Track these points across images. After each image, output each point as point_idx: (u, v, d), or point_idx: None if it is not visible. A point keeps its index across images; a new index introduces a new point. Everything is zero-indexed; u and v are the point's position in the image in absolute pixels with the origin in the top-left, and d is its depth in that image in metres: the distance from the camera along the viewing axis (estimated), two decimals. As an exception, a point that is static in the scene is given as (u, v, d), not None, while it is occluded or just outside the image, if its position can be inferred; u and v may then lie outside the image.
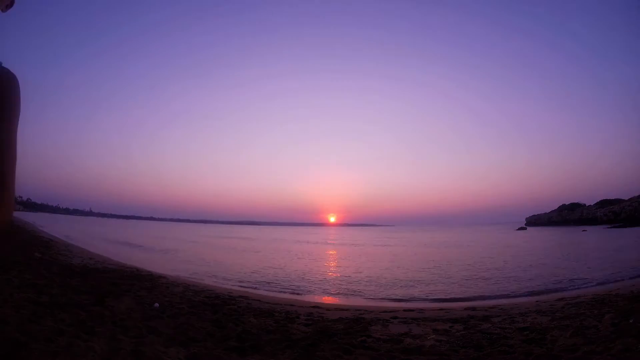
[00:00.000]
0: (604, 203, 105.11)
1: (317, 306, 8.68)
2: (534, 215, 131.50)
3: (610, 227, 75.11)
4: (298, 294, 11.50)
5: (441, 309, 8.51)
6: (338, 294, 11.79)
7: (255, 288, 12.10)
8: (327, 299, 10.93)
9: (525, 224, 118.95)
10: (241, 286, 12.26)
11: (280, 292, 11.71)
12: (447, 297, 10.73)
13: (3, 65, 0.82)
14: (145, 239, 39.84)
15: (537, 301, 9.19)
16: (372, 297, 10.93)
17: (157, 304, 6.76)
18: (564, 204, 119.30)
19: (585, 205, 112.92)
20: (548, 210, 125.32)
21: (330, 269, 19.64)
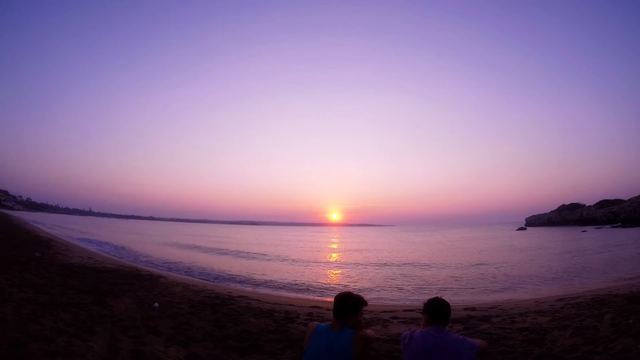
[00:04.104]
0: (603, 203, 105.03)
1: (316, 306, 8.67)
2: (533, 216, 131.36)
3: (610, 228, 75.06)
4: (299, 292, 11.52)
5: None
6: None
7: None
8: (327, 299, 10.93)
9: (525, 225, 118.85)
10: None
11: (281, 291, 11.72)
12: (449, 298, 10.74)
13: None
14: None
15: (536, 301, 9.19)
16: (372, 296, 10.98)
17: (156, 304, 6.75)
18: (564, 204, 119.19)
19: (585, 205, 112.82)
20: (548, 211, 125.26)
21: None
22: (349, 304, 2.55)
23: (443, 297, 2.56)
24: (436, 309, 2.38)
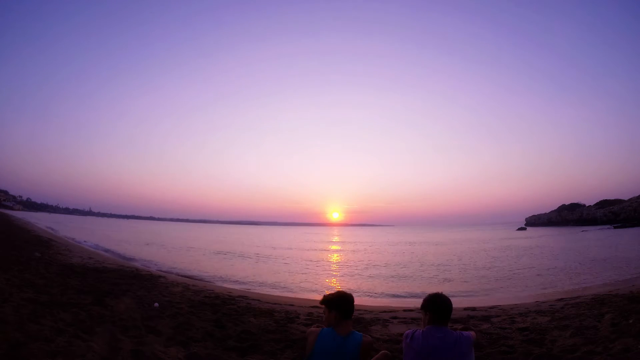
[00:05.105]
0: (603, 203, 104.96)
1: (317, 306, 8.66)
2: (533, 216, 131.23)
3: (610, 228, 75.03)
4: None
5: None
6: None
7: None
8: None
9: (525, 225, 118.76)
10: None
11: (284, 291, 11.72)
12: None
13: None
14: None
15: (536, 301, 9.18)
16: (372, 295, 10.98)
17: (156, 304, 6.75)
18: (564, 204, 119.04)
19: (584, 205, 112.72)
20: (548, 211, 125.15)
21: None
22: (352, 303, 2.53)
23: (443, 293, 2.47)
24: (438, 307, 2.33)
